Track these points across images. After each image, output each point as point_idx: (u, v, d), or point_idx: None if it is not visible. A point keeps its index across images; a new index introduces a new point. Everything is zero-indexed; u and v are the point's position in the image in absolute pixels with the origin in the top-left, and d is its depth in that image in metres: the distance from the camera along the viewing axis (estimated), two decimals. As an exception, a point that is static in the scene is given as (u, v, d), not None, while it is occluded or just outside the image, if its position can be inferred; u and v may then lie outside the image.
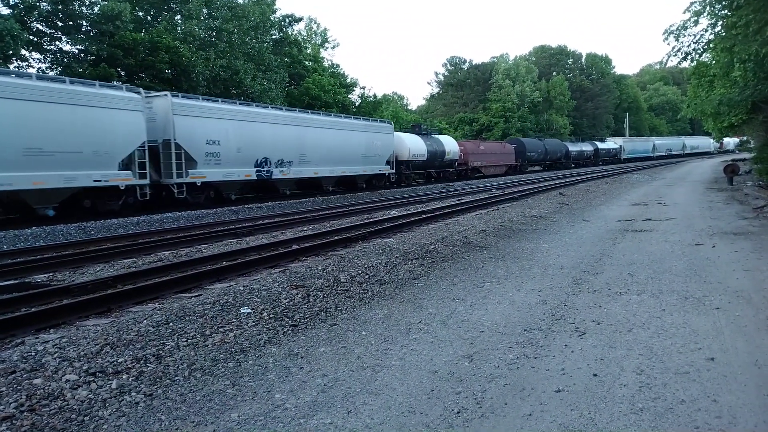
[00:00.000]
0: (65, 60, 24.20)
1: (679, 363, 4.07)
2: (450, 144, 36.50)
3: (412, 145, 32.27)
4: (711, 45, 15.72)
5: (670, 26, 15.96)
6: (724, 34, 14.35)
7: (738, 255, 8.04)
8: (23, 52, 21.64)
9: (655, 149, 71.51)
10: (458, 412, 3.40)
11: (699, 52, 16.59)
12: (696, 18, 15.43)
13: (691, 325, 4.91)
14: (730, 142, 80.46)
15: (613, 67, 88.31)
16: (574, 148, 56.59)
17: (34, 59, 23.58)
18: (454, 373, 4.01)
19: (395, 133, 31.52)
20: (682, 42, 16.04)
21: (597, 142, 62.31)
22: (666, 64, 18.15)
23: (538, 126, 66.50)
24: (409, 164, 31.99)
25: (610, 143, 64.93)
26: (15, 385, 3.72)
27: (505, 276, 7.16)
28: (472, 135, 58.15)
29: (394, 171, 29.67)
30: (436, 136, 36.77)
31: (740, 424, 3.17)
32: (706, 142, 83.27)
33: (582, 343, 4.57)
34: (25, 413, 3.39)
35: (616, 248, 9.00)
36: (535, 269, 7.53)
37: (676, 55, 16.57)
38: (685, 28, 15.64)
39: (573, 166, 56.21)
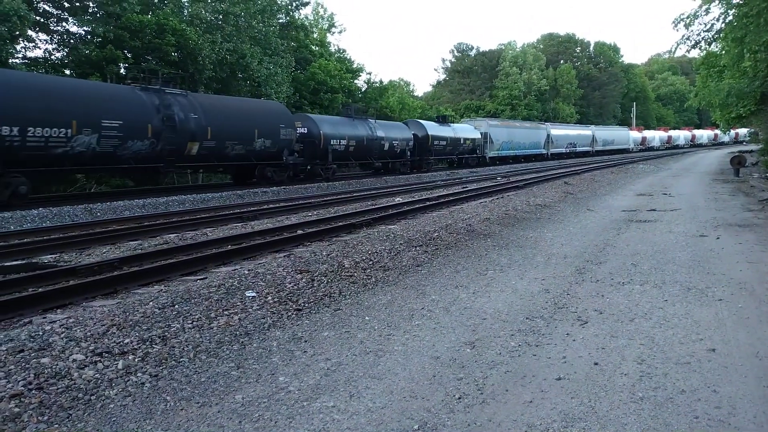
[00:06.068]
0: (72, 41, 24.11)
1: (680, 353, 4.09)
2: None
3: None
4: (722, 35, 15.60)
5: (681, 14, 15.84)
6: (735, 23, 14.22)
7: (742, 247, 8.03)
8: (30, 32, 21.52)
9: (551, 143, 46.43)
10: (459, 398, 3.44)
11: (709, 41, 16.47)
12: (707, 6, 15.29)
13: (693, 316, 4.93)
14: (725, 134, 74.82)
15: (621, 56, 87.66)
16: (334, 131, 24.03)
17: (40, 40, 23.47)
18: (456, 360, 4.04)
19: None
20: (692, 30, 15.92)
21: (432, 124, 32.49)
22: (675, 52, 18.06)
23: (544, 114, 65.60)
24: None
25: (466, 130, 35.68)
26: (23, 364, 3.78)
27: (509, 264, 7.18)
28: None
29: None
30: None
31: (740, 415, 3.19)
32: (623, 136, 62.38)
33: (584, 332, 4.59)
34: (34, 391, 3.45)
35: (620, 238, 8.99)
36: (538, 258, 7.54)
37: (685, 44, 16.47)
38: (696, 17, 15.52)
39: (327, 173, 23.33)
